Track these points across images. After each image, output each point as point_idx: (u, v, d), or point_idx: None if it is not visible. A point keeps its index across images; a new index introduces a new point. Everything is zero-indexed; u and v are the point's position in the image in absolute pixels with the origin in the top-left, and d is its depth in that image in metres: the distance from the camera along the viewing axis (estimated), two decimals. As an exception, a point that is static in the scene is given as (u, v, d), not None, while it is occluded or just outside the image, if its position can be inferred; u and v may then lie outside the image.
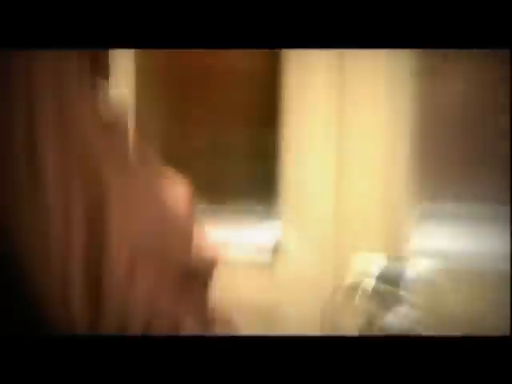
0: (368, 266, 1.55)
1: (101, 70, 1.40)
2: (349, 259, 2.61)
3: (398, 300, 1.50)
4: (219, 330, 1.33)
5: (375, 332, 1.56)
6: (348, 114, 3.15)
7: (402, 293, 1.49)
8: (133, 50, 3.26)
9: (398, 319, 1.50)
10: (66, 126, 1.25)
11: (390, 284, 1.53)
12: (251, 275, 1.73)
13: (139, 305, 1.21)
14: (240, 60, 3.39)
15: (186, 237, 1.37)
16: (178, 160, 1.44)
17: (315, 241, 3.16)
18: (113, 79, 1.43)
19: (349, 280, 1.53)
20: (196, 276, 1.36)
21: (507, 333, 2.14)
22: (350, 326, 1.55)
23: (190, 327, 1.26)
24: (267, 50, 3.36)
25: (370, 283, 1.51)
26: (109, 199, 1.24)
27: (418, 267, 1.60)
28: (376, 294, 1.52)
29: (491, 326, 2.65)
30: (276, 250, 3.19)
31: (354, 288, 1.51)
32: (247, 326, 1.43)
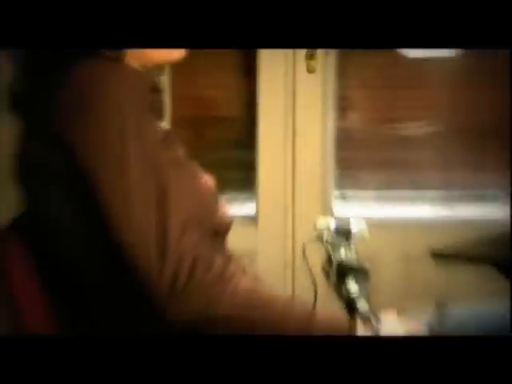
0: (326, 224, 1.70)
1: (160, 104, 1.84)
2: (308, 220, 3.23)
3: (347, 244, 1.67)
4: (237, 271, 1.69)
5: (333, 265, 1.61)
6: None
7: (348, 241, 1.67)
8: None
9: (347, 255, 1.62)
10: (144, 140, 1.68)
11: (340, 235, 1.69)
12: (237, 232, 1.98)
13: (189, 248, 1.64)
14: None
15: (216, 207, 1.85)
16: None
17: (280, 209, 3.57)
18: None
19: (314, 233, 1.70)
20: (221, 232, 1.86)
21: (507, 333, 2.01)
22: (317, 263, 1.65)
23: (219, 263, 1.67)
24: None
25: (328, 234, 1.68)
26: (170, 185, 1.69)
27: (356, 224, 1.71)
28: (333, 241, 1.68)
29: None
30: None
31: (319, 237, 1.69)
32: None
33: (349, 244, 1.68)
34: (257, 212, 3.61)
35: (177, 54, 1.87)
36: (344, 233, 1.73)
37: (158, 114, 1.83)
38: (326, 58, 3.58)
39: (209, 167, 1.89)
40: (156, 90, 1.82)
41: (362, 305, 1.52)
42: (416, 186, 3.61)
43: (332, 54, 3.59)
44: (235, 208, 3.60)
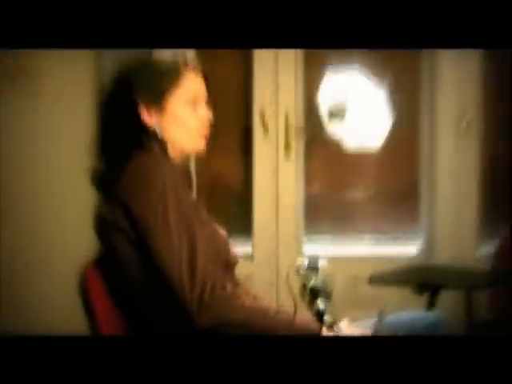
0: (301, 261, 1.67)
1: (190, 180, 1.82)
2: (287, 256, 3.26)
3: (316, 274, 1.62)
4: (242, 291, 1.64)
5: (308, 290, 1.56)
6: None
7: (317, 272, 1.63)
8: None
9: (316, 282, 1.59)
10: (180, 205, 1.66)
11: (311, 268, 1.66)
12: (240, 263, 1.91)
13: (210, 275, 1.61)
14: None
15: (227, 249, 1.83)
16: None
17: (268, 249, 3.49)
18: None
19: (293, 267, 1.67)
20: (231, 265, 1.83)
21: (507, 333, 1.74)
22: (296, 287, 1.60)
23: (230, 286, 1.65)
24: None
25: (303, 268, 1.65)
26: (197, 235, 1.67)
27: (321, 261, 1.66)
28: (306, 273, 1.64)
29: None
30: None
31: (297, 270, 1.66)
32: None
33: (317, 274, 1.64)
34: (252, 251, 3.53)
35: (200, 146, 1.82)
36: (313, 267, 1.68)
37: (189, 186, 1.82)
38: (297, 149, 3.48)
39: (220, 220, 1.86)
40: (187, 171, 1.83)
41: (327, 317, 1.52)
42: (357, 232, 3.52)
43: (301, 148, 3.48)
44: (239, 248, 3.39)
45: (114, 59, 2.66)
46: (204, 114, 1.81)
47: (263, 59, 3.36)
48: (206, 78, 1.83)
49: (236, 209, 3.57)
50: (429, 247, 3.51)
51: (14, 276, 3.24)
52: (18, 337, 1.42)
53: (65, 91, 3.19)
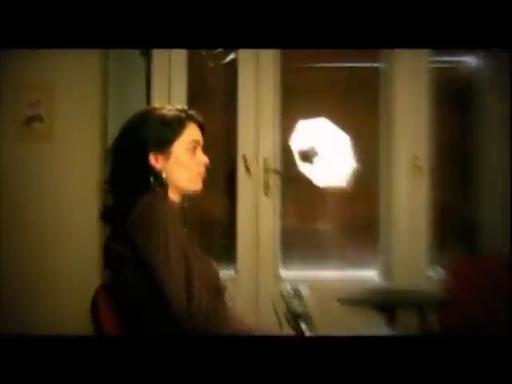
0: (285, 288, 1.67)
1: (185, 217, 1.78)
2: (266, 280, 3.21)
3: (299, 298, 1.60)
4: (230, 314, 1.64)
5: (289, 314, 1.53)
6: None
7: (300, 296, 1.61)
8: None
9: (299, 306, 1.57)
10: (179, 240, 1.65)
11: (293, 293, 1.64)
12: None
13: (204, 298, 1.57)
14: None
15: (218, 277, 1.82)
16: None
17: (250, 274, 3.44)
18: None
19: (281, 291, 1.67)
20: (221, 290, 1.80)
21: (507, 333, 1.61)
22: (282, 311, 1.55)
23: (220, 312, 1.64)
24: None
25: (287, 293, 1.64)
26: (193, 265, 1.66)
27: (302, 286, 1.65)
28: (289, 298, 1.63)
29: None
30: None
31: (281, 295, 1.65)
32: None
33: (301, 300, 1.64)
34: (236, 275, 3.46)
35: (198, 187, 1.83)
36: (298, 294, 1.69)
37: (185, 223, 1.80)
38: (275, 188, 3.46)
39: (208, 248, 1.86)
40: (183, 209, 1.80)
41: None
42: (325, 258, 3.48)
43: (278, 187, 3.47)
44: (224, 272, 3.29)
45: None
46: (202, 158, 1.84)
47: (246, 112, 3.36)
48: (203, 128, 1.87)
49: (222, 239, 3.52)
50: (387, 272, 3.49)
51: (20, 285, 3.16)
52: (11, 337, 1.36)
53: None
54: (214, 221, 3.48)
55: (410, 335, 1.57)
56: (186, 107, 1.85)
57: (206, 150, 1.87)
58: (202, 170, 1.84)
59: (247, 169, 3.35)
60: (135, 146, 1.76)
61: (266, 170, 3.35)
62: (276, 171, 3.37)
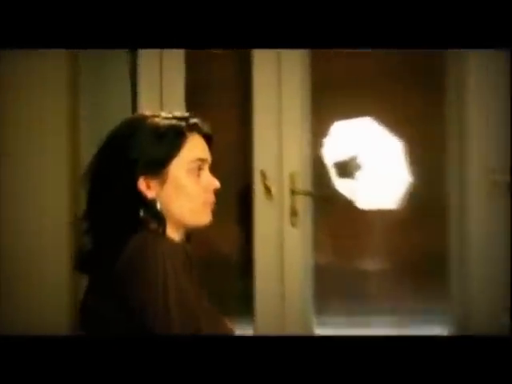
0: None
1: (190, 261, 1.49)
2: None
3: None
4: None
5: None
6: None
7: None
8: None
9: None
10: (180, 288, 1.41)
11: None
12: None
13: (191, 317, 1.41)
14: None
15: (226, 324, 1.57)
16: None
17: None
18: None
19: None
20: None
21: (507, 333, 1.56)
22: None
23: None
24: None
25: None
26: (200, 327, 1.42)
27: None
28: None
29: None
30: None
31: None
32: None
33: None
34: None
35: (205, 219, 1.57)
36: None
37: (190, 269, 1.52)
38: (304, 214, 2.82)
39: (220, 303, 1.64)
40: (187, 251, 1.54)
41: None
42: (373, 312, 2.89)
43: (309, 212, 2.83)
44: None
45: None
46: (210, 181, 1.57)
47: (264, 110, 2.77)
48: (211, 141, 1.60)
49: (235, 285, 2.93)
50: (461, 328, 2.78)
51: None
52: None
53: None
54: (223, 261, 2.93)
55: (409, 335, 1.51)
56: (186, 114, 1.58)
57: (213, 167, 1.60)
58: (211, 197, 1.57)
59: (267, 189, 2.77)
60: (119, 168, 1.51)
61: (293, 190, 2.79)
62: (305, 192, 2.81)
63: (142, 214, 1.50)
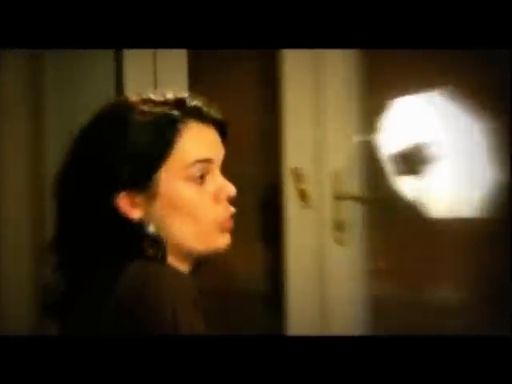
0: None
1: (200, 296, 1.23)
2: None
3: None
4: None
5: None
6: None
7: None
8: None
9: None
10: (192, 328, 1.15)
11: None
12: None
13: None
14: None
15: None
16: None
17: None
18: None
19: None
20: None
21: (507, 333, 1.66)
22: None
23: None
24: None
25: None
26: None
27: None
28: None
29: None
30: None
31: None
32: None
33: None
34: None
35: (220, 242, 1.25)
36: None
37: (199, 302, 1.21)
38: (353, 227, 2.27)
39: None
40: (196, 286, 1.21)
41: None
42: None
43: (359, 225, 2.28)
44: None
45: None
46: (220, 187, 1.24)
47: (297, 89, 2.26)
48: (225, 130, 1.28)
49: (260, 324, 2.42)
50: None
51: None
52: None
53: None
54: (246, 292, 2.44)
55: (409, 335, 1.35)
56: (182, 95, 1.25)
57: (226, 167, 1.27)
58: (225, 209, 1.24)
59: (302, 194, 2.24)
60: (92, 180, 1.21)
61: (337, 195, 2.25)
62: (354, 196, 2.27)
63: (129, 242, 1.22)
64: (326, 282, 2.23)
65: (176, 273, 1.20)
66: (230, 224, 1.24)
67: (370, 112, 2.26)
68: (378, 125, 2.26)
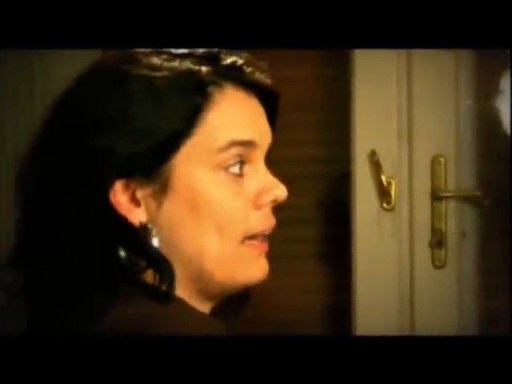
0: None
1: None
2: None
3: None
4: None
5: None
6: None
7: None
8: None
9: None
10: None
11: None
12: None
13: None
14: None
15: None
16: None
17: None
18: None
19: None
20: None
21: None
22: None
23: None
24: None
25: None
26: None
27: None
28: None
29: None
30: None
31: None
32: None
33: None
34: None
35: (256, 272, 0.89)
36: None
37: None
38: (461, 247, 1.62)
39: None
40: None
41: None
42: None
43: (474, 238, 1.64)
44: None
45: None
46: (266, 186, 0.90)
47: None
48: (273, 102, 0.93)
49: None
50: None
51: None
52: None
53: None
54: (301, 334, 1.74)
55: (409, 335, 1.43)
56: (213, 50, 0.93)
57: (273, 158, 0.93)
58: (265, 222, 0.90)
59: (383, 191, 1.61)
60: (76, 165, 0.89)
61: (436, 193, 1.63)
62: (473, 198, 1.65)
63: (122, 255, 0.86)
64: (417, 316, 1.57)
65: (197, 316, 0.86)
66: (264, 248, 0.90)
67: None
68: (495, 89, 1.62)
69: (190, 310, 0.87)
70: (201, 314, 0.88)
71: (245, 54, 0.92)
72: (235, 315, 0.96)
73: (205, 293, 0.89)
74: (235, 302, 0.94)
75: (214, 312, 0.92)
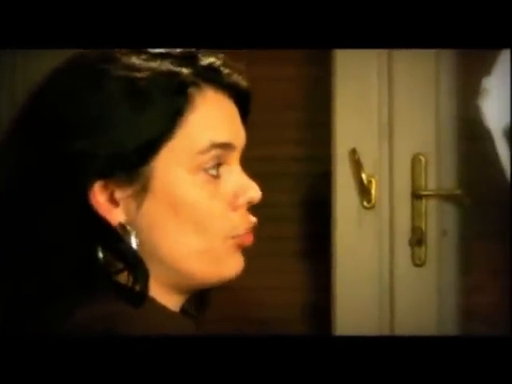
0: None
1: None
2: None
3: None
4: None
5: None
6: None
7: None
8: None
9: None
10: None
11: None
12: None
13: None
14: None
15: None
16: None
17: None
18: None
19: None
20: None
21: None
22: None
23: None
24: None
25: None
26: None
27: None
28: None
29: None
30: None
31: None
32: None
33: None
34: None
35: (231, 268, 0.89)
36: None
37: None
38: (444, 246, 1.63)
39: None
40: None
41: None
42: None
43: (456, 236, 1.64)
44: None
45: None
46: (241, 188, 0.90)
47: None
48: (246, 101, 0.93)
49: None
50: None
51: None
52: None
53: None
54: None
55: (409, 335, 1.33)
56: (192, 50, 0.92)
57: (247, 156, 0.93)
58: (243, 222, 0.90)
59: (364, 190, 1.64)
60: (51, 165, 0.88)
61: (417, 192, 1.64)
62: (456, 197, 1.66)
63: (100, 255, 0.86)
64: (397, 315, 1.58)
65: (161, 313, 0.86)
66: (248, 240, 0.91)
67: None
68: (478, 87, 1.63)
69: (160, 308, 0.86)
70: (170, 313, 0.88)
71: (221, 55, 0.92)
72: (199, 311, 0.95)
73: (178, 289, 0.89)
74: (196, 297, 0.94)
75: (185, 308, 0.91)
